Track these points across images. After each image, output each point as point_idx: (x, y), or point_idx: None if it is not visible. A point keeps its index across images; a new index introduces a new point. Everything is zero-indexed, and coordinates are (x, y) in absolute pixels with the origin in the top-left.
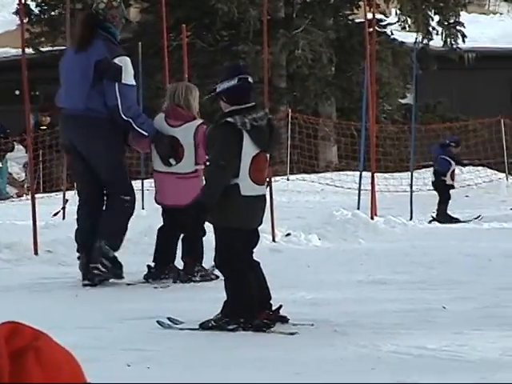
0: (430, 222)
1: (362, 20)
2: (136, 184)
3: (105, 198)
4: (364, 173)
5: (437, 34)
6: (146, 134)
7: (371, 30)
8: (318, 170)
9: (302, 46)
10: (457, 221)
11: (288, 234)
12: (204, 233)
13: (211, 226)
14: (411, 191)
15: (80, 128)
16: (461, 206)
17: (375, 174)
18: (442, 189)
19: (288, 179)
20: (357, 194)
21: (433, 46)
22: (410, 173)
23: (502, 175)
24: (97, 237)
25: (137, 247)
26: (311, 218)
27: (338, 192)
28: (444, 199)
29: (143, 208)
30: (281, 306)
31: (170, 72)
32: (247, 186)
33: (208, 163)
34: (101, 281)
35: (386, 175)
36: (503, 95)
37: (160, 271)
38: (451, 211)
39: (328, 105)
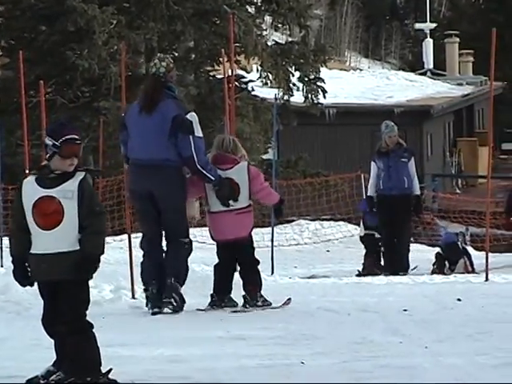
0: (357, 275)
1: (223, 76)
2: None
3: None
4: None
5: (297, 89)
6: (213, 179)
7: (231, 85)
8: None
9: None
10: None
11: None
12: (259, 262)
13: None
14: (272, 246)
15: (160, 176)
16: (322, 261)
17: None
18: (371, 243)
19: None
20: None
21: (294, 102)
22: (271, 228)
23: None
24: (166, 276)
25: None
26: None
27: (202, 248)
28: (372, 252)
29: (2, 266)
30: (111, 370)
31: (30, 129)
32: None
33: (97, 213)
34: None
35: None
36: (364, 150)
37: (220, 300)
38: (311, 266)
39: None
